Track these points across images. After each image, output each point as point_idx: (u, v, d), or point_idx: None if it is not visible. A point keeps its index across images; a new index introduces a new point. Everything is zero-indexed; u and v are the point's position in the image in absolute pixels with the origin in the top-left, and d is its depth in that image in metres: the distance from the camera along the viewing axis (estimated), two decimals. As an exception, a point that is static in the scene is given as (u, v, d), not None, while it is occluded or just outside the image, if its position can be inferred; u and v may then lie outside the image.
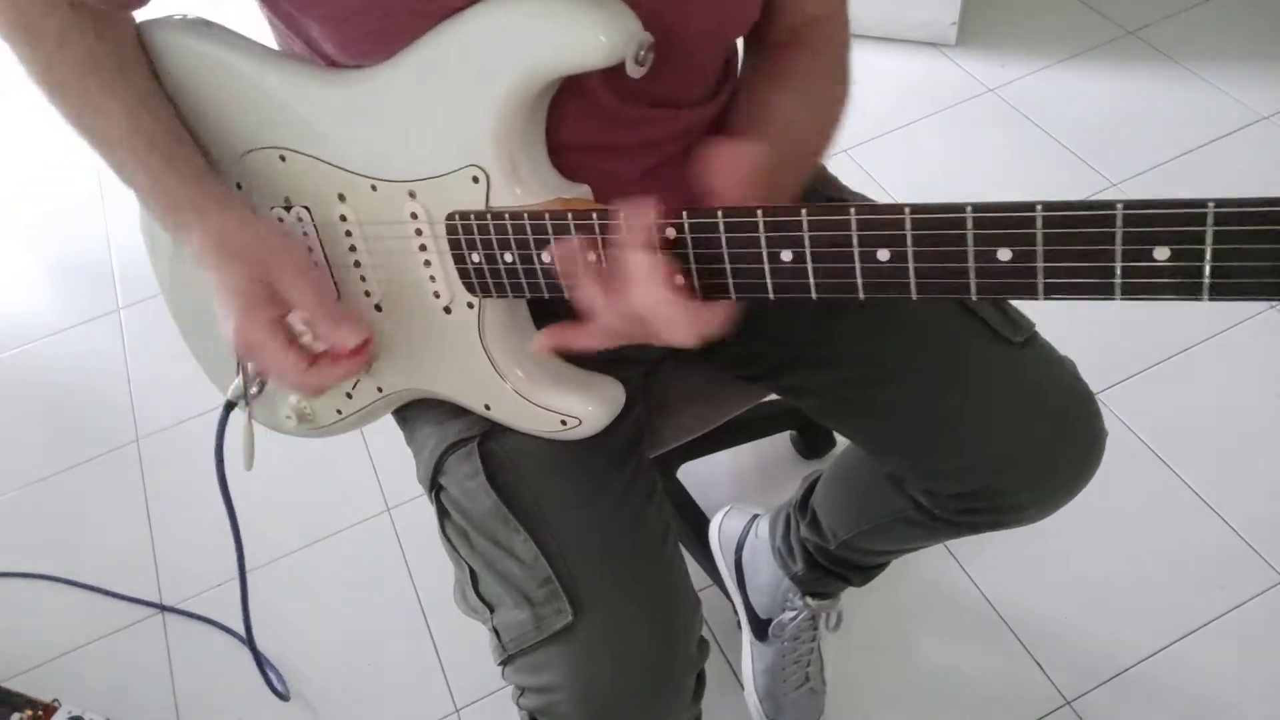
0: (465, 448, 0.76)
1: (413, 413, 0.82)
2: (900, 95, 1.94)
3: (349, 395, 0.79)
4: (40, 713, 1.26)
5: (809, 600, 1.14)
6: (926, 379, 0.76)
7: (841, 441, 1.41)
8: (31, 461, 1.61)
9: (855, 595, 1.20)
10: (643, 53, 0.58)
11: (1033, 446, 0.75)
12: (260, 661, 1.22)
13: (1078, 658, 1.19)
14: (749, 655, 1.21)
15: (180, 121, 0.71)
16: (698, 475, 1.40)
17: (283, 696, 1.24)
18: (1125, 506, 1.31)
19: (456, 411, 0.77)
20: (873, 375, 0.78)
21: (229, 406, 0.77)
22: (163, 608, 1.40)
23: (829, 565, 1.06)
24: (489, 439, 0.75)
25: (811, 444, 1.42)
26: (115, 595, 1.41)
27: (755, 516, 1.27)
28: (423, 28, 0.62)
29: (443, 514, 0.78)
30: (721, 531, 1.29)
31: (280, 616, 1.33)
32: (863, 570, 1.06)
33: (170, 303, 0.87)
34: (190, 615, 1.38)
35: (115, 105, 0.68)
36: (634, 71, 0.59)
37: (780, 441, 1.45)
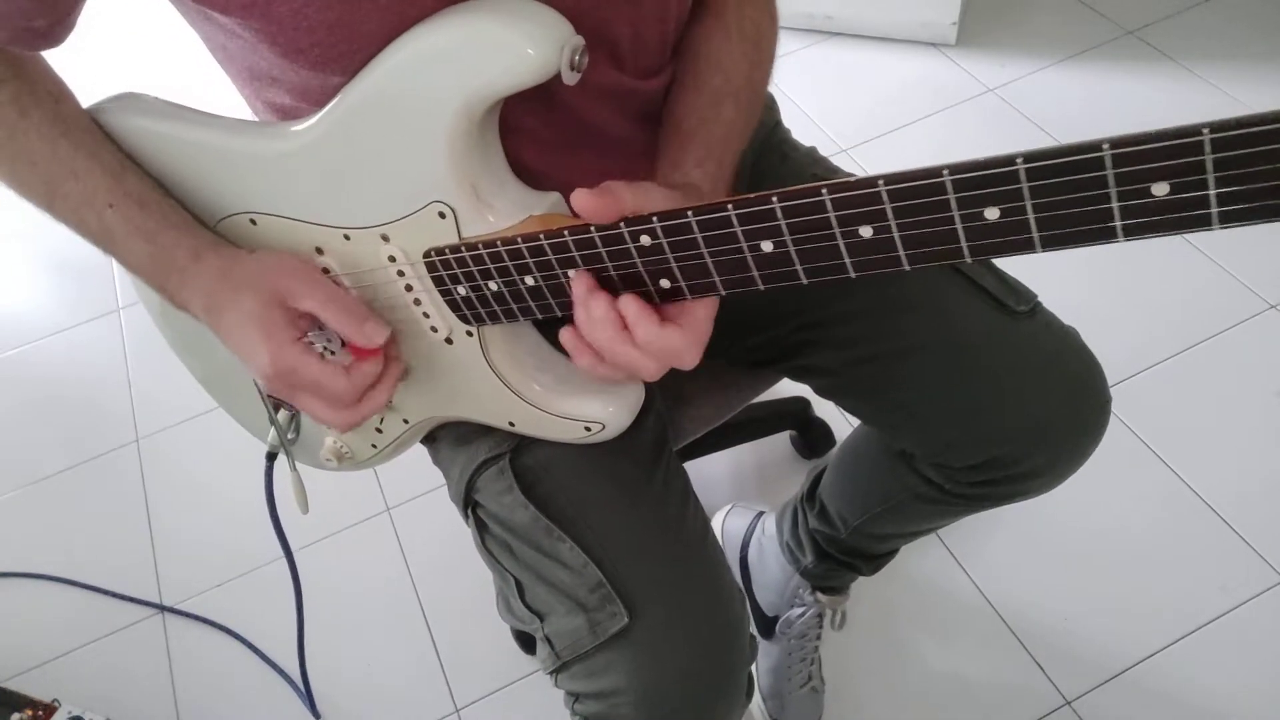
0: (497, 464, 0.75)
1: (438, 433, 0.82)
2: (900, 95, 1.94)
3: (379, 429, 0.79)
4: (40, 713, 1.26)
5: (819, 595, 1.14)
6: (934, 351, 0.77)
7: (840, 439, 1.41)
8: (31, 461, 1.61)
9: (855, 596, 1.20)
10: (577, 57, 0.56)
11: (1044, 412, 0.76)
12: (310, 700, 1.24)
13: (1078, 658, 1.19)
14: (753, 654, 1.21)
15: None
16: (698, 475, 1.38)
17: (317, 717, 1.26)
18: (1125, 506, 1.31)
19: (482, 429, 0.77)
20: (880, 351, 0.79)
21: (270, 457, 0.77)
22: (163, 608, 1.40)
23: (839, 555, 1.06)
24: (519, 453, 0.75)
25: (811, 444, 1.42)
26: (115, 595, 1.41)
27: (760, 514, 1.27)
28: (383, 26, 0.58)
29: (481, 528, 0.77)
30: (725, 531, 1.29)
31: (281, 616, 1.33)
32: (872, 559, 1.06)
33: (194, 368, 0.86)
34: (190, 615, 1.38)
35: (96, 167, 0.66)
36: (569, 78, 0.57)
37: (780, 441, 1.45)
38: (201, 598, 1.40)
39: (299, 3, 0.56)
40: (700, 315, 0.58)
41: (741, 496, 1.38)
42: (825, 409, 1.41)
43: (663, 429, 0.81)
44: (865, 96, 1.96)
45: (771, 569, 1.19)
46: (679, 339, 0.57)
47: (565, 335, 0.61)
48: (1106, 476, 1.33)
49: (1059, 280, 1.54)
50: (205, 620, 1.37)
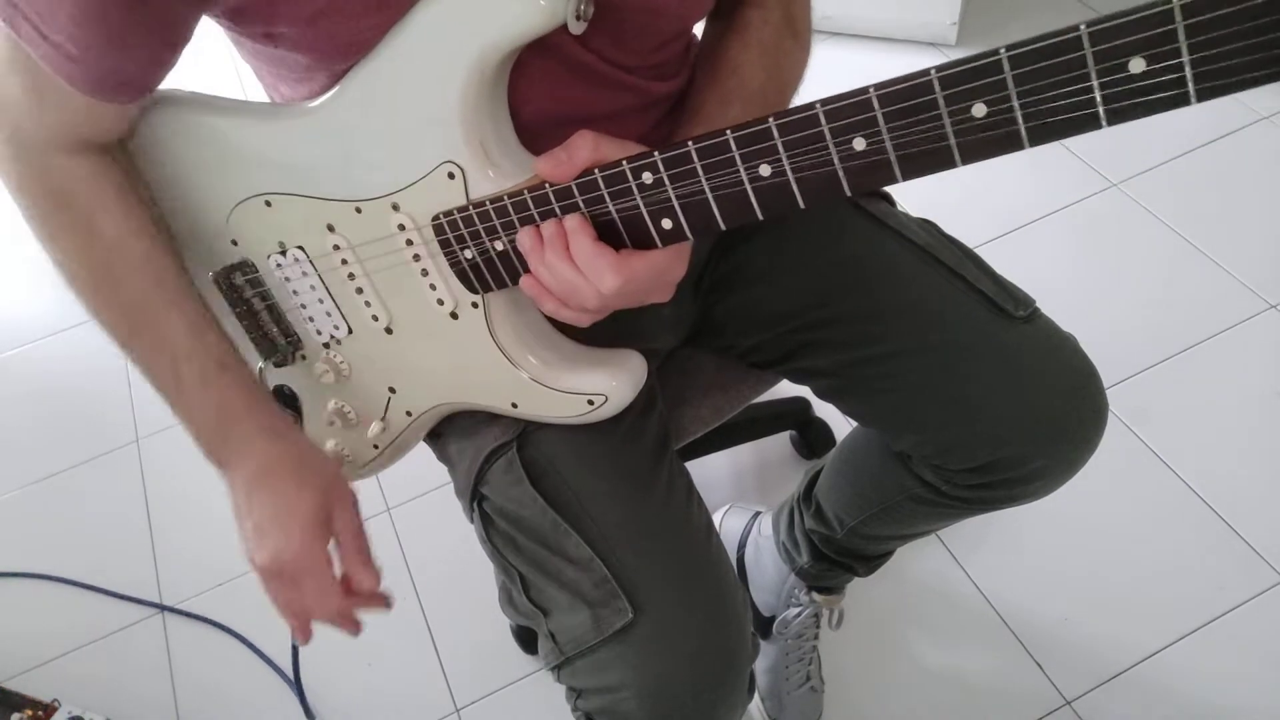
0: (505, 455, 0.76)
1: (442, 427, 0.82)
2: (900, 95, 1.94)
3: (383, 421, 0.79)
4: (40, 713, 1.26)
5: (814, 595, 1.14)
6: (932, 354, 0.77)
7: (840, 439, 1.41)
8: (31, 461, 1.61)
9: (855, 596, 1.20)
10: (583, 6, 0.58)
11: (1044, 414, 0.77)
12: (303, 699, 1.25)
13: (1078, 658, 1.19)
14: (751, 654, 1.21)
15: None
16: (697, 475, 1.38)
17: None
18: (1125, 506, 1.31)
19: (486, 420, 0.77)
20: (878, 353, 0.79)
21: None
22: (163, 608, 1.40)
23: (835, 556, 1.06)
24: (526, 445, 0.75)
25: (811, 444, 1.42)
26: (115, 595, 1.41)
27: (757, 514, 1.27)
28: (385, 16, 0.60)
29: (486, 521, 0.77)
30: (722, 531, 1.28)
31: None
32: (868, 560, 1.06)
33: None
34: (190, 615, 1.38)
35: (179, 319, 0.67)
36: (575, 28, 0.59)
37: (780, 441, 1.45)
38: (201, 598, 1.40)
39: (354, 26, 0.58)
40: (638, 259, 0.61)
41: (741, 496, 1.38)
42: (825, 409, 1.41)
43: (665, 429, 0.82)
44: (865, 96, 1.95)
45: (768, 569, 1.19)
46: (607, 260, 0.59)
47: (525, 281, 0.64)
48: (1107, 477, 1.32)
49: (1058, 281, 1.55)
50: (205, 620, 1.37)
